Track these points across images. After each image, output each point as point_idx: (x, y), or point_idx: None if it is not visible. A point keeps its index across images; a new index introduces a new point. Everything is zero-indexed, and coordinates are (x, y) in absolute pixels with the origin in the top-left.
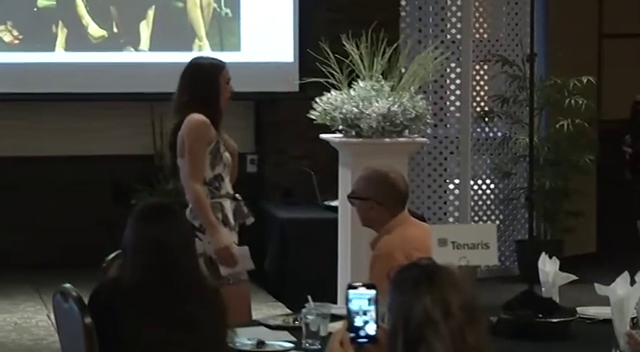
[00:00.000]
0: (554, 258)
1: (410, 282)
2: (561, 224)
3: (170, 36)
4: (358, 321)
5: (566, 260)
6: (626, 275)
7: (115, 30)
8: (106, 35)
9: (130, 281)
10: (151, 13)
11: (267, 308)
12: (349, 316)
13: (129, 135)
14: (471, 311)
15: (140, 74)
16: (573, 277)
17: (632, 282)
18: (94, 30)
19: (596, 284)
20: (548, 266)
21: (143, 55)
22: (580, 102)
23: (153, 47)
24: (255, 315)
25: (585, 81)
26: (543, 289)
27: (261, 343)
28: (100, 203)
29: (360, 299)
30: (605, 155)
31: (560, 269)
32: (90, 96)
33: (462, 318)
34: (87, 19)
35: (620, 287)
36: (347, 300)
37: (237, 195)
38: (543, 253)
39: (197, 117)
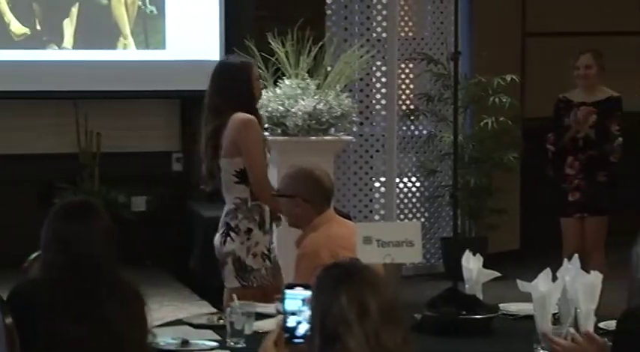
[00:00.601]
0: (477, 255)
1: (329, 281)
2: (485, 221)
3: (94, 34)
4: (292, 321)
5: (490, 257)
6: (548, 271)
7: (38, 27)
8: (29, 33)
9: (49, 280)
10: (74, 10)
11: (192, 307)
12: (284, 316)
13: (53, 134)
14: (390, 313)
15: (64, 72)
16: (496, 274)
17: (554, 279)
18: (17, 27)
19: (518, 281)
20: (471, 264)
21: (67, 53)
22: (504, 100)
23: (76, 45)
24: (179, 314)
25: (509, 79)
26: (467, 286)
27: (185, 342)
28: (23, 202)
29: (295, 300)
30: (529, 153)
31: (485, 266)
32: (13, 95)
33: (378, 319)
34: (9, 16)
35: (542, 283)
36: (282, 300)
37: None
38: (467, 250)
39: (248, 116)
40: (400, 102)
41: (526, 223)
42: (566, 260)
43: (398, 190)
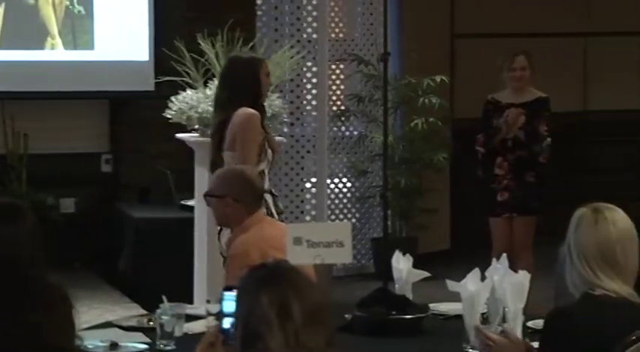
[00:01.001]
0: (407, 255)
1: (252, 282)
2: (416, 221)
3: (21, 34)
4: (226, 323)
5: (420, 257)
6: (476, 271)
7: None
8: None
9: None
10: (0, 10)
11: (121, 310)
12: (220, 317)
13: None
14: (313, 314)
15: None
16: (426, 274)
17: (483, 278)
18: None
19: (447, 281)
20: (401, 264)
21: None
22: (434, 101)
23: (3, 45)
24: (108, 317)
25: (439, 80)
26: (397, 286)
27: (114, 345)
28: None
29: (231, 301)
30: (459, 153)
31: (415, 266)
32: None
33: (300, 321)
34: None
35: (470, 283)
36: (220, 301)
37: (272, 190)
38: (397, 251)
39: (249, 110)
40: (331, 103)
41: (456, 223)
42: (494, 259)
43: (329, 191)
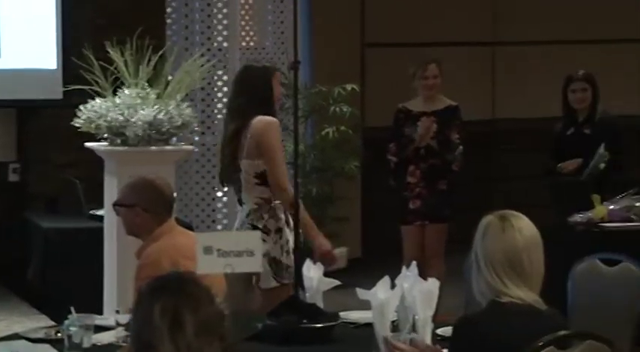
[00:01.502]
0: (318, 263)
1: (149, 291)
2: (327, 230)
3: None
4: None
5: None
6: (386, 279)
7: None
8: None
9: None
10: None
11: (29, 321)
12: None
13: None
14: (207, 327)
15: None
16: (337, 282)
17: (393, 286)
18: None
19: (357, 289)
20: (312, 272)
21: None
22: (344, 109)
23: None
24: (16, 328)
25: (349, 89)
26: (307, 295)
27: None
28: None
29: None
30: (370, 161)
31: (326, 274)
32: None
33: (192, 332)
34: None
35: (380, 291)
36: None
37: None
38: (308, 259)
39: (270, 119)
40: None
41: (367, 231)
42: (404, 267)
43: None
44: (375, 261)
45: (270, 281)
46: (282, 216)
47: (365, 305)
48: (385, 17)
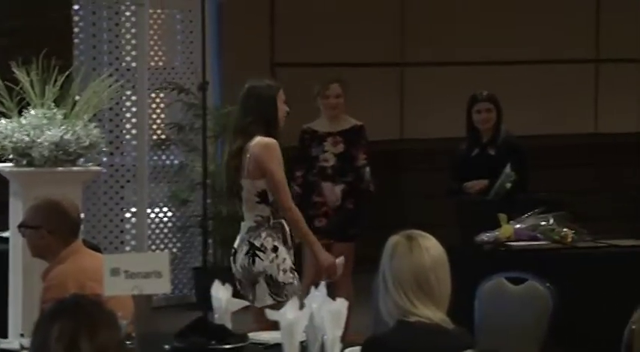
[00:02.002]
0: (227, 284)
1: (48, 314)
2: None
3: None
4: None
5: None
6: (295, 299)
7: None
8: None
9: None
10: None
11: None
12: None
13: None
14: (105, 350)
15: None
16: (245, 303)
17: (302, 306)
18: None
19: (266, 310)
20: (221, 293)
21: None
22: None
23: None
24: None
25: None
26: (216, 316)
27: None
28: None
29: None
30: None
31: (237, 295)
32: None
33: None
34: None
35: (289, 311)
36: None
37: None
38: (216, 280)
39: (270, 140)
40: (151, 131)
41: None
42: (313, 287)
43: (149, 220)
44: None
45: (267, 299)
46: (280, 235)
47: (275, 326)
48: (295, 37)
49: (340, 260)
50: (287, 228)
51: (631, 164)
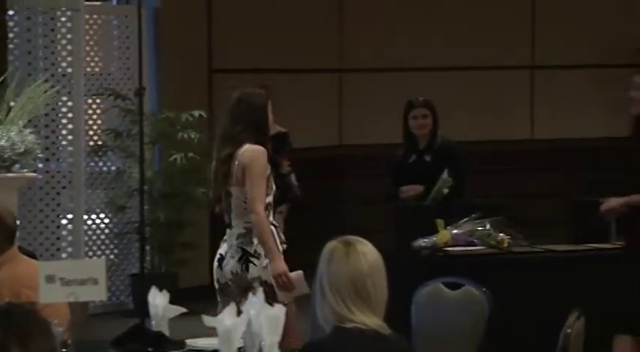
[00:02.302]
0: (164, 291)
1: None
2: (176, 256)
3: None
4: None
5: (181, 292)
6: (233, 305)
7: None
8: None
9: None
10: None
11: None
12: None
13: None
14: None
15: None
16: (182, 310)
17: (239, 313)
18: None
19: (203, 316)
20: (158, 300)
21: None
22: (192, 136)
23: None
24: None
25: (197, 115)
26: (153, 322)
27: None
28: None
29: None
30: None
31: (176, 301)
32: None
33: None
34: None
35: (227, 317)
36: None
37: (274, 222)
38: (153, 287)
39: (260, 148)
40: (87, 137)
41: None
42: (251, 293)
43: (86, 227)
44: None
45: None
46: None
47: (212, 332)
48: (233, 43)
49: (297, 274)
50: (276, 235)
51: (566, 170)
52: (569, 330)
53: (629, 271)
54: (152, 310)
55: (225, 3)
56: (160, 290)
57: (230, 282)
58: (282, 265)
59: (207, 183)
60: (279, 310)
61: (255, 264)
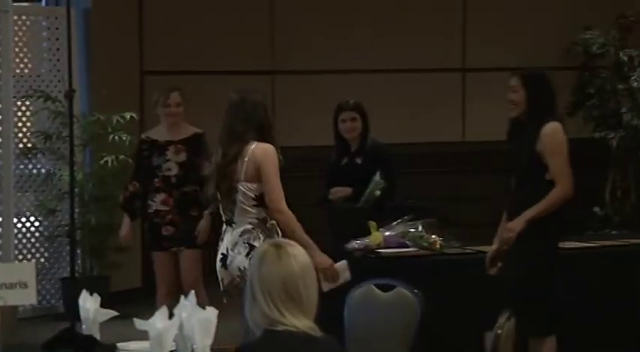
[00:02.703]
0: (95, 294)
1: None
2: (108, 260)
3: None
4: None
5: (113, 295)
6: (164, 308)
7: None
8: None
9: None
10: None
11: None
12: None
13: None
14: None
15: None
16: (114, 313)
17: (171, 316)
18: None
19: (134, 319)
20: (88, 304)
21: None
22: (124, 138)
23: None
24: None
25: (129, 117)
26: (84, 326)
27: None
28: None
29: None
30: None
31: (108, 304)
32: None
33: None
34: None
35: (158, 320)
36: None
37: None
38: (84, 290)
39: (270, 146)
40: (17, 140)
41: (148, 261)
42: (182, 296)
43: (16, 230)
44: (155, 290)
45: None
46: (275, 236)
47: (144, 336)
48: (164, 45)
49: (341, 264)
50: (279, 230)
51: (498, 171)
52: (499, 331)
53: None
54: (83, 313)
55: (157, 5)
56: (91, 293)
57: (238, 278)
58: (326, 258)
59: None
60: (211, 313)
61: None
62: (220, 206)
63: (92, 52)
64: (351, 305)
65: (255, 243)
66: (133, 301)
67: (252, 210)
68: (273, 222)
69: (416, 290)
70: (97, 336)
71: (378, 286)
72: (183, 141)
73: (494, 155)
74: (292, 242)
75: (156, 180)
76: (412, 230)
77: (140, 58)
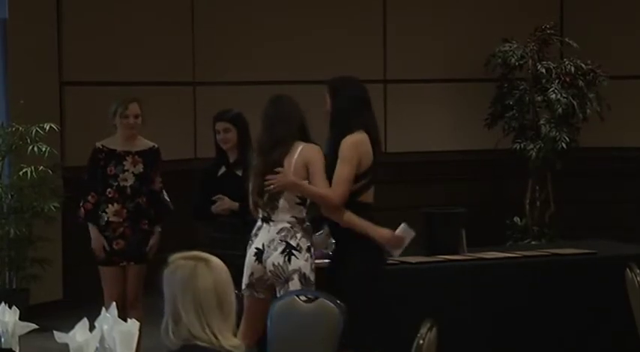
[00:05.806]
0: (14, 307)
1: None
2: (27, 272)
3: None
4: None
5: (33, 308)
6: (85, 321)
7: None
8: None
9: None
10: None
11: None
12: None
13: None
14: None
15: None
16: (33, 326)
17: (92, 328)
18: None
19: (55, 332)
20: (7, 317)
21: None
22: (43, 149)
23: None
24: None
25: (48, 128)
26: (3, 339)
27: None
28: None
29: None
30: (70, 201)
31: (27, 318)
32: None
33: None
34: None
35: (79, 333)
36: None
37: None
38: (2, 303)
39: (316, 146)
40: None
41: (68, 273)
42: (104, 308)
43: None
44: (76, 303)
45: None
46: (310, 237)
47: (64, 349)
48: (84, 55)
49: (401, 229)
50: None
51: (418, 182)
52: (421, 341)
53: None
54: (1, 327)
55: (76, 15)
56: (10, 306)
57: (270, 273)
58: (387, 231)
59: (59, 197)
60: (133, 325)
61: (297, 257)
62: (257, 203)
63: (10, 63)
64: (273, 316)
65: (292, 242)
66: (54, 314)
67: (294, 209)
68: (308, 224)
69: (338, 301)
70: (16, 350)
71: (300, 297)
72: (140, 152)
73: (413, 166)
74: (208, 255)
75: (109, 190)
76: (333, 241)
77: (59, 68)
